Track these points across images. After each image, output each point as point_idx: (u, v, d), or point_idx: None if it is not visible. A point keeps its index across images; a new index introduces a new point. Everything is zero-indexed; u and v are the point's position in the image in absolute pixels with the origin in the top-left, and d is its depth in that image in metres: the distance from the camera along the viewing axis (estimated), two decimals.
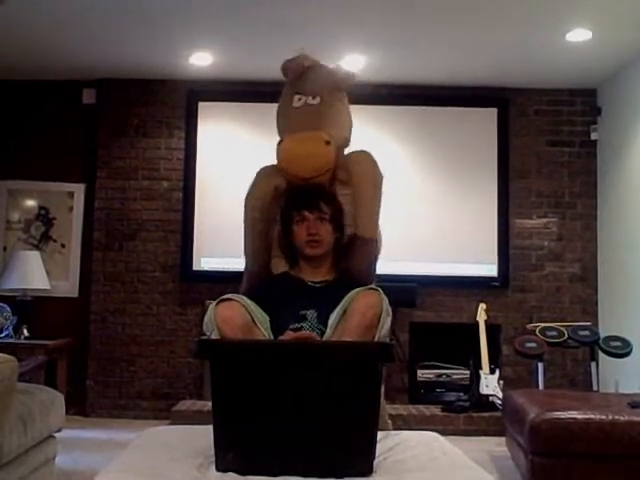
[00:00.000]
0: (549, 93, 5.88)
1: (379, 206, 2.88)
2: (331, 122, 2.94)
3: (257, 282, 2.85)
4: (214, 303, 2.37)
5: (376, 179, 2.89)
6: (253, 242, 2.90)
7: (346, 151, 3.02)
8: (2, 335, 5.41)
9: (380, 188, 2.89)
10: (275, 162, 2.94)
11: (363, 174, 2.89)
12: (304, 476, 1.87)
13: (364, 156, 2.94)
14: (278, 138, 2.98)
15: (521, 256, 5.79)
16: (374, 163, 2.91)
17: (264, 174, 2.96)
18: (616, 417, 3.13)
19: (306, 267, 2.75)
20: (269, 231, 2.89)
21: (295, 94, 2.98)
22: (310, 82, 3.00)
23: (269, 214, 2.88)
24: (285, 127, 2.99)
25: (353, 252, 2.80)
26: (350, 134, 3.04)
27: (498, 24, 4.68)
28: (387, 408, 3.28)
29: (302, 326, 2.52)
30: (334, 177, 2.91)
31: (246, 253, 2.93)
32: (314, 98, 2.93)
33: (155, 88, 5.84)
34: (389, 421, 2.90)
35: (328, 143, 2.85)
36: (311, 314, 2.56)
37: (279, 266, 2.90)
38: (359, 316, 2.30)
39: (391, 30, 4.79)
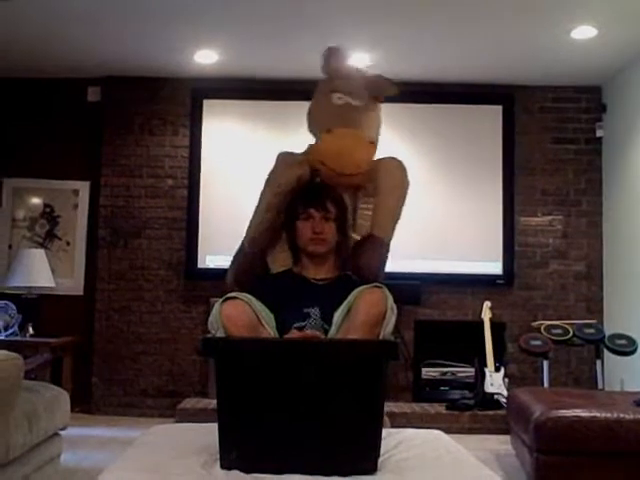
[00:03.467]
0: (554, 90, 5.87)
1: (400, 214, 2.89)
2: (370, 127, 2.93)
3: (249, 265, 2.85)
4: (219, 301, 2.36)
5: (404, 187, 2.90)
6: (261, 225, 2.88)
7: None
8: (7, 333, 5.42)
9: (405, 196, 2.90)
10: (297, 150, 2.94)
11: (392, 179, 2.89)
12: (309, 474, 1.87)
13: (396, 162, 2.95)
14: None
15: (526, 254, 5.78)
16: (404, 170, 2.93)
17: (291, 162, 2.93)
18: (621, 415, 3.12)
19: (309, 264, 2.75)
20: (278, 220, 2.88)
21: (334, 92, 2.93)
22: (353, 84, 2.96)
23: (284, 203, 2.87)
24: (324, 123, 2.92)
25: (365, 249, 2.79)
26: (378, 144, 3.02)
27: (503, 21, 4.67)
28: (390, 406, 3.28)
29: (306, 324, 2.52)
30: (359, 186, 2.92)
31: (248, 234, 2.91)
32: (355, 100, 2.91)
33: (160, 86, 5.84)
34: (387, 419, 2.90)
35: (371, 143, 2.87)
36: (315, 312, 2.56)
37: (284, 261, 2.89)
38: (364, 314, 2.30)
39: (396, 28, 4.79)
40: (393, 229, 2.87)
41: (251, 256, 2.89)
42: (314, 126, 2.98)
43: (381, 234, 2.82)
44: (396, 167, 2.94)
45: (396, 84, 3.00)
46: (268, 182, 2.91)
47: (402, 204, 2.90)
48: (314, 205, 2.71)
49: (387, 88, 3.03)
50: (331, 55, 3.01)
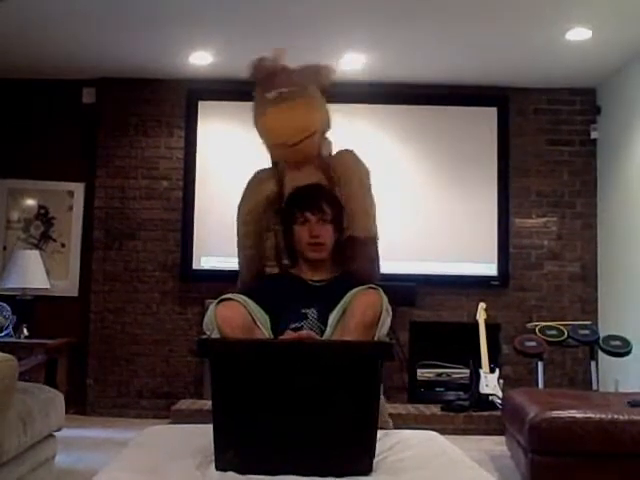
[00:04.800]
0: (549, 92, 5.88)
1: (371, 202, 2.86)
2: (309, 102, 2.88)
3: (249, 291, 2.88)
4: (214, 303, 2.37)
5: (361, 176, 2.87)
6: (244, 253, 2.91)
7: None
8: (2, 334, 5.41)
9: (368, 184, 2.86)
10: (267, 166, 2.95)
11: (348, 173, 2.86)
12: (303, 475, 1.87)
13: (346, 154, 2.92)
14: None
15: (521, 255, 5.79)
16: (357, 160, 2.89)
17: (256, 182, 2.96)
18: (616, 416, 3.13)
19: (306, 267, 2.75)
20: (261, 242, 2.89)
21: (266, 92, 2.91)
22: (282, 78, 2.92)
23: (261, 225, 2.88)
24: (261, 116, 2.92)
25: (353, 255, 2.78)
26: (329, 124, 2.96)
27: (498, 23, 4.68)
28: (387, 407, 3.28)
29: (303, 325, 2.52)
30: (330, 177, 2.90)
31: (239, 263, 2.94)
32: (287, 88, 2.87)
33: (155, 87, 5.84)
34: (389, 420, 2.90)
35: (308, 105, 2.83)
36: (312, 313, 2.56)
37: (270, 251, 2.91)
38: (359, 315, 2.30)
39: (391, 29, 4.79)
40: (373, 222, 2.85)
41: (248, 285, 2.88)
42: (257, 128, 2.95)
43: (360, 233, 2.80)
44: (348, 158, 2.91)
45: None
46: (238, 208, 2.93)
47: (369, 193, 2.86)
48: (309, 208, 2.69)
49: (326, 73, 2.96)
50: (258, 65, 3.01)
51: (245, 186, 2.98)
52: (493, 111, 5.85)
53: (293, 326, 2.50)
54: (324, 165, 2.91)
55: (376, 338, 2.31)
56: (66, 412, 3.35)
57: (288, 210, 2.77)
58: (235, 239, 2.97)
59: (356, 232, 2.79)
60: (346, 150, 2.94)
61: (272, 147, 2.89)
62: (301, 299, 2.60)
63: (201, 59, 5.39)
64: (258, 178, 2.97)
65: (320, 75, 2.96)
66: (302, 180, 2.83)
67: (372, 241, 2.82)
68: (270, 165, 3.03)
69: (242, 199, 2.94)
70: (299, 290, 2.67)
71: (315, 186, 2.81)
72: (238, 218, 2.93)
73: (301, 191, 2.79)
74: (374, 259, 2.84)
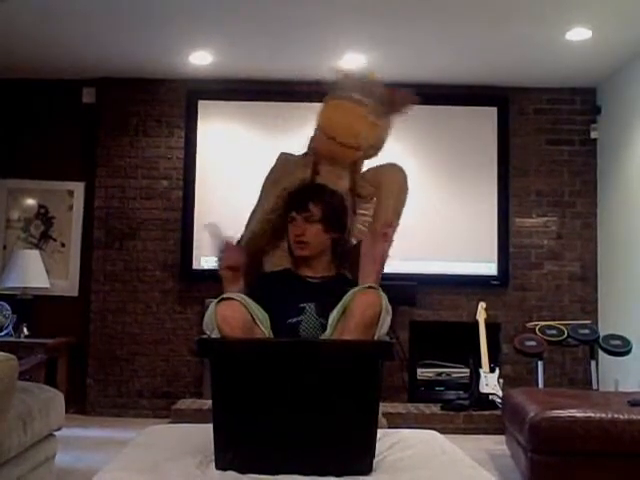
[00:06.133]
0: (549, 92, 5.88)
1: (398, 218, 2.89)
2: (376, 122, 2.88)
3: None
4: (214, 302, 2.36)
5: (404, 192, 2.91)
6: (260, 225, 2.88)
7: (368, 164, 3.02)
8: (2, 334, 5.42)
9: (405, 202, 2.90)
10: (299, 152, 2.94)
11: (393, 184, 2.90)
12: (304, 474, 1.87)
13: (397, 168, 2.96)
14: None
15: (521, 255, 5.80)
16: (405, 177, 2.94)
17: (294, 163, 2.94)
18: (616, 415, 3.13)
19: (303, 265, 2.76)
20: (278, 221, 2.88)
21: (347, 91, 2.88)
22: (366, 87, 2.91)
23: (284, 207, 2.87)
24: (329, 103, 2.88)
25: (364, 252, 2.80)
26: (379, 151, 2.98)
27: (498, 23, 4.68)
28: (386, 406, 3.28)
29: (301, 320, 2.53)
30: (355, 191, 2.91)
31: (245, 234, 2.91)
32: (367, 99, 2.87)
33: (155, 87, 5.84)
34: (383, 419, 2.90)
35: (373, 124, 2.84)
36: (310, 307, 2.56)
37: (280, 260, 2.90)
38: (359, 315, 2.30)
39: (391, 29, 4.79)
40: (392, 235, 2.87)
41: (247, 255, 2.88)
42: (320, 111, 2.91)
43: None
44: (397, 173, 2.95)
45: (388, 84, 2.97)
46: (273, 182, 2.91)
47: (402, 210, 2.90)
48: (295, 207, 2.71)
49: (402, 102, 2.98)
50: (347, 76, 2.98)
51: (280, 162, 2.96)
52: (493, 111, 5.86)
53: (291, 320, 2.51)
54: (354, 174, 2.94)
55: (376, 338, 2.30)
56: (66, 412, 3.35)
57: (286, 209, 2.79)
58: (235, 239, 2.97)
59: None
60: (394, 164, 2.99)
61: (320, 130, 2.87)
62: (299, 294, 2.61)
63: (201, 59, 5.39)
64: (295, 160, 2.96)
65: (396, 103, 2.98)
66: (330, 176, 2.86)
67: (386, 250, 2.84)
68: (289, 152, 3.01)
69: (278, 173, 2.91)
70: (297, 286, 2.67)
71: (310, 187, 2.82)
72: (269, 189, 2.89)
73: (296, 191, 2.80)
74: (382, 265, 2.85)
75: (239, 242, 2.93)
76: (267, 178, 2.94)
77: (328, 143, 2.86)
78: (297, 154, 2.97)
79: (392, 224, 2.77)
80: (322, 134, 2.87)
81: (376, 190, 2.91)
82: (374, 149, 2.95)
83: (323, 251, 2.75)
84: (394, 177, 2.95)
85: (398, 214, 2.90)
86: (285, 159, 2.97)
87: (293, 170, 2.91)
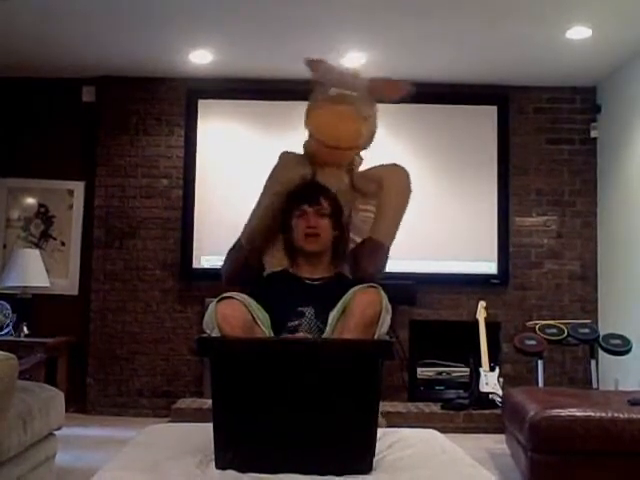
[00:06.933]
0: (549, 91, 5.88)
1: (401, 219, 2.89)
2: (364, 116, 2.87)
3: (244, 260, 2.86)
4: (215, 301, 2.37)
5: (407, 193, 2.91)
6: (261, 220, 2.89)
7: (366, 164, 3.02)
8: (2, 333, 5.42)
9: (407, 203, 2.91)
10: (300, 152, 2.94)
11: (396, 185, 2.90)
12: (304, 474, 1.87)
13: (400, 169, 2.96)
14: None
15: (521, 254, 5.79)
16: (408, 177, 2.93)
17: (294, 161, 2.94)
18: (616, 415, 3.13)
19: (304, 264, 2.75)
20: (275, 221, 2.88)
21: (329, 87, 2.88)
22: (348, 79, 2.93)
23: (284, 204, 2.87)
24: (316, 109, 2.89)
25: (365, 253, 2.80)
26: (370, 142, 2.97)
27: (498, 22, 4.68)
28: (385, 405, 3.28)
29: (300, 323, 2.53)
30: (355, 186, 2.91)
31: (247, 228, 2.91)
32: (350, 91, 2.87)
33: (155, 86, 5.84)
34: (382, 418, 2.90)
35: (363, 118, 2.83)
36: (309, 311, 2.56)
37: (280, 262, 2.89)
38: (359, 314, 2.30)
39: (391, 28, 4.79)
40: (393, 235, 2.87)
41: (247, 252, 2.89)
42: (308, 118, 2.91)
43: (381, 238, 2.82)
44: (401, 173, 2.95)
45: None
46: (271, 179, 2.91)
47: (404, 210, 2.90)
48: (307, 201, 2.72)
49: (391, 93, 2.96)
50: (313, 65, 2.99)
51: (281, 161, 2.95)
52: (493, 109, 5.85)
53: (291, 324, 2.51)
54: (352, 172, 2.94)
55: (376, 337, 2.31)
56: (66, 411, 3.35)
57: (287, 207, 2.78)
58: (235, 238, 2.96)
59: (375, 234, 2.81)
60: (398, 164, 2.98)
61: (313, 139, 2.88)
62: (298, 297, 2.61)
63: (201, 58, 5.38)
64: (295, 157, 2.96)
65: (384, 91, 2.95)
66: (329, 177, 2.86)
67: (384, 250, 2.84)
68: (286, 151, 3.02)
69: (278, 170, 2.92)
70: (296, 288, 2.67)
71: (313, 184, 2.83)
72: (268, 186, 2.89)
73: (299, 187, 2.81)
74: (382, 265, 2.85)
75: (238, 240, 2.94)
76: (269, 176, 2.95)
77: (327, 152, 2.86)
78: (298, 153, 2.98)
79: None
80: (318, 143, 2.87)
81: (378, 189, 2.91)
82: (369, 140, 2.95)
83: (328, 249, 2.76)
84: (397, 177, 2.94)
85: (399, 220, 2.89)
86: (287, 157, 2.98)
87: (294, 167, 2.92)
